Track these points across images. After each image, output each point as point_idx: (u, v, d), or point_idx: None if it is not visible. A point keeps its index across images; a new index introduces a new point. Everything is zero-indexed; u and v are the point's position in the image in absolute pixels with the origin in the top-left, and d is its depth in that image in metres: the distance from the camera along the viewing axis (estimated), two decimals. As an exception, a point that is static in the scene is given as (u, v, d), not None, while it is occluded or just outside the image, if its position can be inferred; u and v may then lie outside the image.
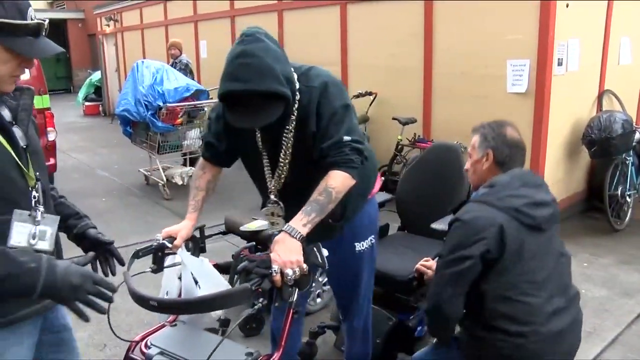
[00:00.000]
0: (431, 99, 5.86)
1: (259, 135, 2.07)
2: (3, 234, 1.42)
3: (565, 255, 2.05)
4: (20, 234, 1.44)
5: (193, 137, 6.77)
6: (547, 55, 4.72)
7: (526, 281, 1.89)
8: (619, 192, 5.16)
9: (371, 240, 2.31)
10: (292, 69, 1.92)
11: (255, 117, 1.81)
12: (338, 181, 1.86)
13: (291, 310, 1.85)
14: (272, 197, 2.12)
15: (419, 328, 2.71)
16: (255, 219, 3.50)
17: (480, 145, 2.08)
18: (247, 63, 1.73)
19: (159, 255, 1.91)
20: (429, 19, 5.69)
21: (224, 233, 3.63)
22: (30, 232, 1.47)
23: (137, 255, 1.84)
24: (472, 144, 2.13)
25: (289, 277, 1.64)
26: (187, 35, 9.47)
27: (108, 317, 1.62)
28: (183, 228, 1.98)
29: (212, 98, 6.79)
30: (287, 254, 1.66)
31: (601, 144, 4.93)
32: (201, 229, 2.16)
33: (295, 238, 1.71)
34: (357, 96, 6.17)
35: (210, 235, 2.43)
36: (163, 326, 1.99)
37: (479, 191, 2.04)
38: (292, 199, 2.02)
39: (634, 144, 5.19)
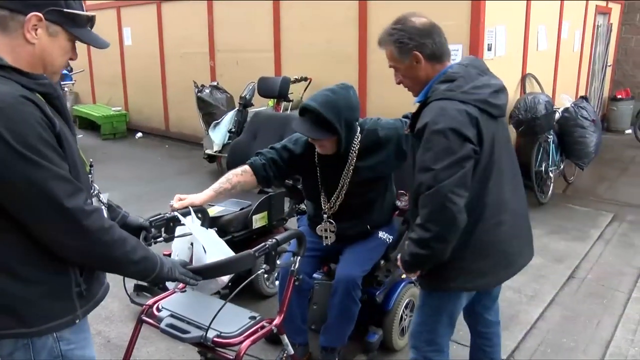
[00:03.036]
0: (366, 83, 6.02)
1: (318, 170, 2.61)
2: None
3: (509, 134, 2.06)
4: None
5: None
6: (478, 40, 4.99)
7: (496, 169, 1.89)
8: (543, 168, 5.57)
9: (390, 236, 2.79)
10: (358, 123, 2.57)
11: (311, 130, 2.41)
12: None
13: (292, 278, 1.97)
14: (325, 217, 2.65)
15: (386, 302, 2.84)
16: (212, 205, 3.49)
17: (400, 53, 1.90)
18: (328, 95, 2.40)
19: (170, 225, 2.03)
20: (364, 5, 5.83)
21: (178, 217, 3.57)
22: (104, 214, 1.56)
23: (150, 225, 1.96)
24: (390, 56, 1.94)
25: None
26: (108, 21, 9.07)
27: (124, 284, 1.81)
28: (195, 197, 2.27)
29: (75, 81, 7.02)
30: None
31: (528, 123, 5.30)
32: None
33: None
34: (293, 82, 6.24)
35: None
36: (173, 292, 2.07)
37: (439, 87, 1.87)
38: (344, 218, 2.63)
39: (554, 123, 5.62)
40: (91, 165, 1.62)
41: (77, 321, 1.46)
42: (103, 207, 1.62)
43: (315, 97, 2.41)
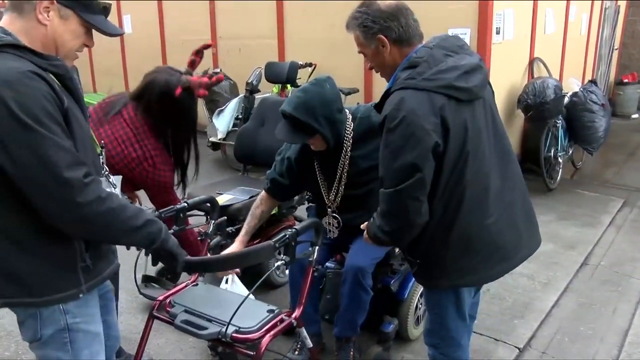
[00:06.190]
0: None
1: (316, 165, 2.57)
2: None
3: (496, 111, 1.91)
4: None
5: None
6: (487, 24, 4.89)
7: (473, 159, 1.75)
8: (552, 153, 5.49)
9: None
10: (347, 111, 2.48)
11: (289, 135, 2.35)
12: None
13: (311, 269, 1.91)
14: (330, 212, 2.61)
15: (400, 291, 2.78)
16: (220, 194, 3.43)
17: (366, 37, 1.81)
18: (299, 96, 2.33)
19: (180, 216, 2.09)
20: (369, -10, 5.71)
21: (188, 208, 3.51)
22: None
23: (159, 217, 1.95)
24: (357, 41, 1.85)
25: None
26: (107, 9, 8.93)
27: (135, 276, 1.85)
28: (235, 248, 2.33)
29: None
30: None
31: (536, 108, 5.21)
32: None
33: None
34: (300, 67, 6.15)
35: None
36: (185, 286, 2.02)
37: (401, 75, 1.76)
38: (348, 210, 2.57)
39: (562, 108, 5.54)
40: (102, 147, 1.64)
41: (82, 295, 1.50)
42: (113, 189, 1.61)
43: (289, 101, 2.35)
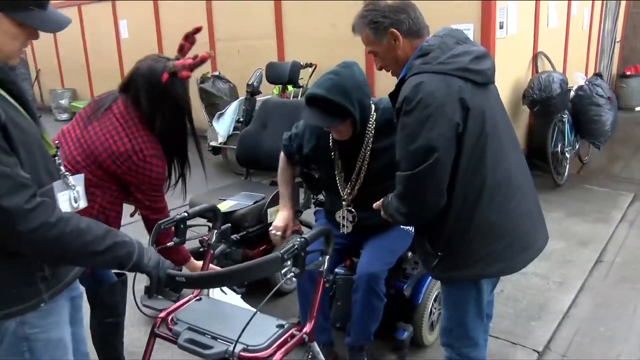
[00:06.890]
0: (374, 68, 5.81)
1: (333, 154, 2.50)
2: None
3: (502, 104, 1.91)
4: (64, 202, 1.51)
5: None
6: (490, 18, 4.80)
7: (492, 142, 1.74)
8: (559, 149, 5.39)
9: None
10: (373, 102, 2.41)
11: (322, 118, 2.28)
12: None
13: (322, 280, 1.81)
14: (345, 205, 2.51)
15: (414, 296, 2.68)
16: (224, 200, 3.33)
17: (376, 34, 1.81)
18: (331, 78, 2.23)
19: (181, 227, 1.98)
20: (368, -13, 5.62)
21: (189, 218, 3.41)
22: (70, 197, 1.53)
23: (159, 227, 1.89)
24: (367, 40, 1.85)
25: None
26: (104, 14, 8.86)
27: (133, 291, 1.73)
28: (289, 220, 2.57)
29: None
30: None
31: (542, 103, 5.12)
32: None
33: None
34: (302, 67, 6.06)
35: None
36: (187, 301, 1.93)
37: (415, 62, 1.75)
38: (363, 206, 2.40)
39: (568, 102, 5.44)
40: (57, 147, 1.55)
41: (43, 304, 1.46)
42: (71, 190, 1.54)
43: (320, 84, 2.25)
